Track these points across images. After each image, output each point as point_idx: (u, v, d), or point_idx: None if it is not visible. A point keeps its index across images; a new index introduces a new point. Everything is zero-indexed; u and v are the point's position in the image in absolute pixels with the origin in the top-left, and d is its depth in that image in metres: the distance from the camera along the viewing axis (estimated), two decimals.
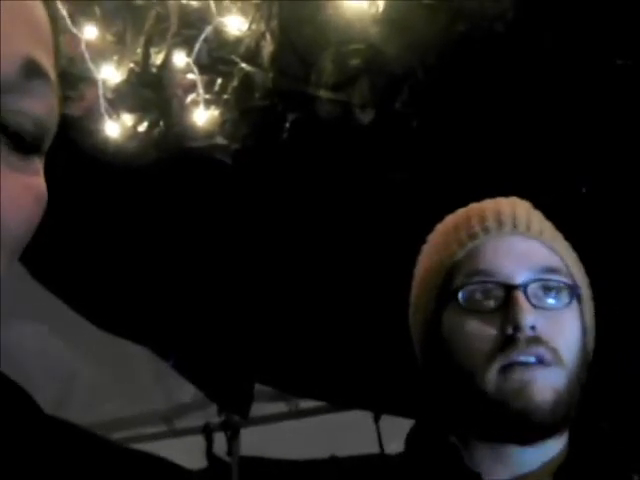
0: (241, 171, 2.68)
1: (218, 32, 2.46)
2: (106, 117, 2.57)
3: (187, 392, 4.24)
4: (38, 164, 0.52)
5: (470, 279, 1.09)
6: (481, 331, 1.06)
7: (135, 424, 4.54)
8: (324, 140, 2.57)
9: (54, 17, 0.55)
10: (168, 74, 2.56)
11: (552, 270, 1.10)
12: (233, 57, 2.52)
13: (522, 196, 1.20)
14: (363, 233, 2.73)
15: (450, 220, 1.19)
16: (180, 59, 2.53)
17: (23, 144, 0.50)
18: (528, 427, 1.03)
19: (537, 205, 1.18)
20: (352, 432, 4.01)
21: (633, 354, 2.54)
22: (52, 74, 0.52)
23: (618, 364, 2.42)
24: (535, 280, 1.07)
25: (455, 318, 1.09)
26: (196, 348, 3.33)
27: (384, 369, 3.01)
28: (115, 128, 2.61)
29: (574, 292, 1.10)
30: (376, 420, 3.98)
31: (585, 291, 1.14)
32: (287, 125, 2.55)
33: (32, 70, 0.50)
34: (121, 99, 2.59)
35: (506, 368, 1.04)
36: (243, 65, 2.52)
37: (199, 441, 4.38)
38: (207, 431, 4.39)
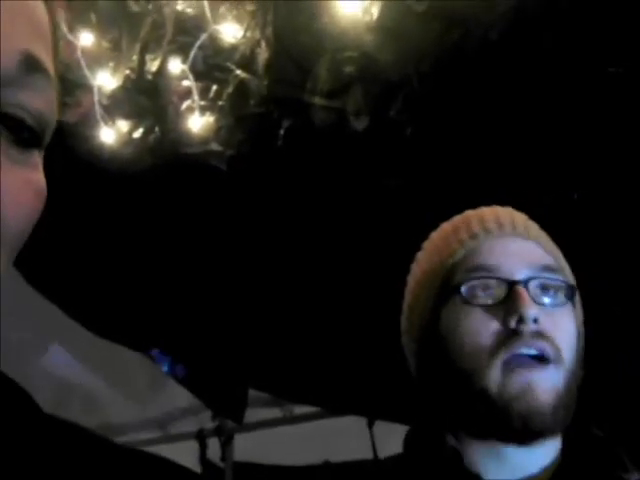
0: (236, 177, 2.68)
1: (213, 39, 2.46)
2: (102, 123, 2.58)
3: (181, 398, 4.23)
4: (37, 158, 0.53)
5: (471, 275, 1.10)
6: (484, 325, 1.06)
7: (129, 430, 4.54)
8: (318, 147, 2.58)
9: (53, 14, 0.56)
10: (163, 81, 2.57)
11: (551, 269, 1.11)
12: (228, 64, 2.53)
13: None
14: (357, 239, 2.74)
15: (448, 225, 1.20)
16: (175, 66, 2.54)
17: (23, 138, 0.51)
18: (530, 428, 1.03)
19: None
20: (346, 438, 4.02)
21: (627, 357, 2.54)
22: (51, 69, 0.53)
23: (611, 369, 2.43)
24: (535, 278, 1.08)
25: (456, 314, 1.09)
26: (191, 354, 3.34)
27: (378, 375, 3.02)
28: (110, 134, 2.61)
29: (571, 292, 1.11)
30: (370, 426, 3.99)
31: (577, 294, 1.15)
32: (282, 132, 2.56)
33: (31, 65, 0.51)
34: (117, 105, 2.60)
35: (508, 364, 1.03)
36: (238, 72, 2.52)
37: (193, 446, 4.38)
38: (201, 437, 4.39)
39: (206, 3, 2.40)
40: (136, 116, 2.64)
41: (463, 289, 1.09)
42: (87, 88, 2.53)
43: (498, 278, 1.08)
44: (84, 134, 2.59)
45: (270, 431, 4.48)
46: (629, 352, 2.52)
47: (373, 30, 2.32)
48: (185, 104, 2.58)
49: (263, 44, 2.46)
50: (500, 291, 1.08)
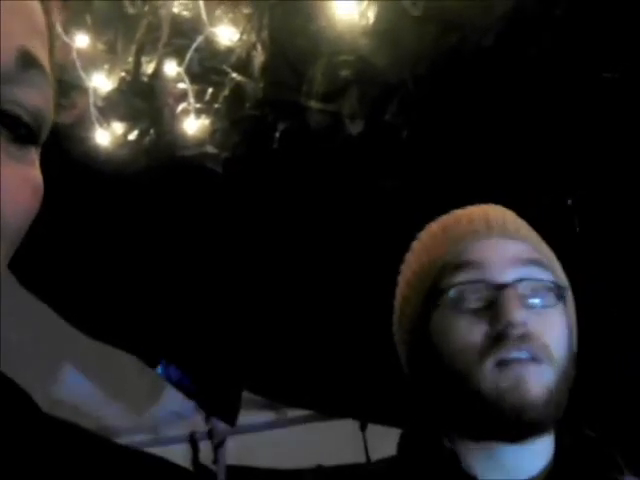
0: (231, 180, 2.68)
1: (209, 42, 2.46)
2: (97, 125, 2.57)
3: (173, 401, 4.22)
4: (34, 155, 0.53)
5: (459, 278, 1.09)
6: (472, 329, 1.06)
7: (121, 432, 4.52)
8: (314, 150, 2.58)
9: (49, 13, 0.56)
10: (159, 83, 2.56)
11: (540, 265, 1.11)
12: (224, 67, 2.53)
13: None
14: (352, 243, 2.74)
15: (436, 225, 1.20)
16: (171, 68, 2.54)
17: (20, 134, 0.51)
18: (522, 423, 1.03)
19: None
20: (339, 441, 4.01)
21: (622, 358, 2.55)
22: (47, 66, 0.53)
23: (606, 369, 2.43)
24: (524, 280, 1.08)
25: (445, 317, 1.09)
26: (184, 356, 3.33)
27: (371, 379, 3.02)
28: (106, 136, 2.61)
29: (561, 293, 1.11)
30: (362, 429, 3.99)
31: (568, 294, 1.15)
32: (277, 135, 2.56)
33: (28, 61, 0.51)
34: (112, 107, 2.59)
35: (500, 364, 1.04)
36: (234, 75, 2.53)
37: (185, 450, 4.37)
38: (193, 440, 4.38)
39: (202, 5, 2.39)
40: (131, 118, 2.64)
41: (451, 293, 1.09)
42: (82, 90, 2.53)
43: (486, 281, 1.08)
44: (79, 136, 2.58)
45: (263, 434, 4.47)
46: (625, 353, 2.53)
47: (369, 33, 2.32)
48: (181, 106, 2.58)
49: (259, 47, 2.46)
50: (488, 294, 1.07)
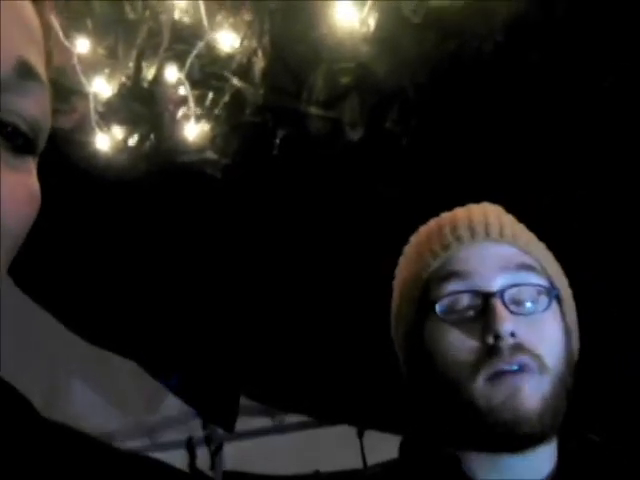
0: (231, 186, 2.69)
1: (210, 48, 2.47)
2: (97, 130, 2.57)
3: (170, 406, 4.22)
4: (32, 164, 0.54)
5: (447, 289, 1.08)
6: (462, 342, 1.05)
7: (118, 437, 4.51)
8: (314, 157, 2.58)
9: (46, 22, 0.56)
10: (159, 88, 2.57)
11: (528, 267, 1.09)
12: (225, 73, 2.53)
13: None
14: (351, 250, 2.74)
15: (423, 231, 1.19)
16: (172, 74, 2.54)
17: (17, 144, 0.51)
18: (517, 436, 1.02)
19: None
20: (336, 447, 4.01)
21: (625, 360, 2.54)
22: (44, 75, 0.54)
23: (609, 372, 2.43)
24: (511, 286, 1.07)
25: (436, 330, 1.08)
26: (182, 362, 3.33)
27: (368, 385, 3.02)
28: (106, 141, 2.61)
29: (552, 294, 1.09)
30: (360, 435, 3.98)
31: (565, 291, 1.14)
32: (277, 141, 2.56)
33: (25, 71, 0.51)
34: (112, 112, 2.59)
35: (492, 378, 1.03)
36: (234, 81, 2.53)
37: (182, 455, 4.36)
38: (190, 445, 4.38)
39: (203, 11, 2.40)
40: (131, 123, 2.64)
41: (438, 308, 1.08)
42: (83, 95, 2.53)
43: (474, 290, 1.07)
44: (79, 141, 2.58)
45: (260, 440, 4.46)
46: (627, 355, 2.52)
47: (369, 41, 2.33)
48: (181, 112, 2.58)
49: (260, 53, 2.47)
50: (476, 304, 1.06)
